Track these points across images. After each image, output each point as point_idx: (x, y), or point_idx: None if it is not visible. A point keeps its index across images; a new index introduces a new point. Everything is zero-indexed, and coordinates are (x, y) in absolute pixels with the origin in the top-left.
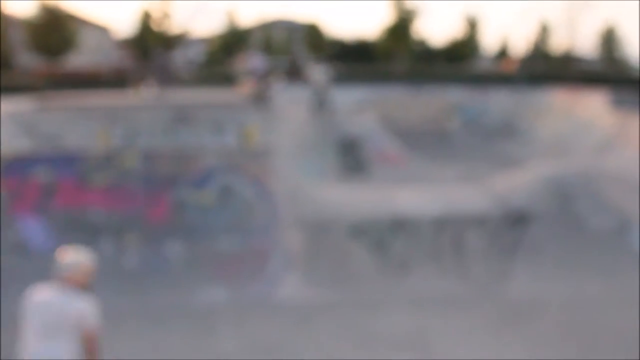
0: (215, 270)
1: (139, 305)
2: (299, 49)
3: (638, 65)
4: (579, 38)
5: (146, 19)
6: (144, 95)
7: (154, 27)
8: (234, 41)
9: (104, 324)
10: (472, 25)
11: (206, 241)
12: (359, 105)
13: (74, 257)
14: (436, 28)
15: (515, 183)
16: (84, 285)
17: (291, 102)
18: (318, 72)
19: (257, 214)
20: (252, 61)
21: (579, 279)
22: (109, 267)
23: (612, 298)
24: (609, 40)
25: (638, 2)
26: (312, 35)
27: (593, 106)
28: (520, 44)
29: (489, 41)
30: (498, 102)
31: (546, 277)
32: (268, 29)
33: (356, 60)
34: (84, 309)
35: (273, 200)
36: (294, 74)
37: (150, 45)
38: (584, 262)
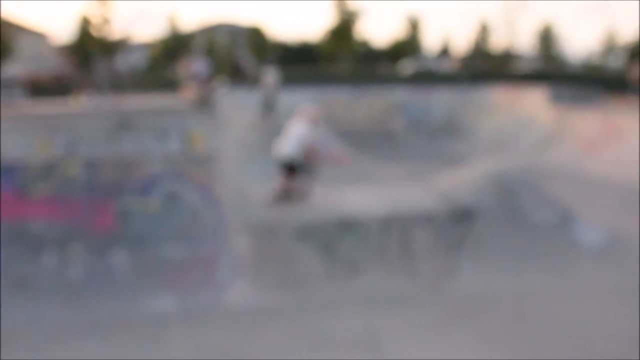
0: (162, 279)
1: (84, 318)
2: (242, 53)
3: (574, 61)
4: (517, 37)
5: (85, 24)
6: (85, 103)
7: (94, 32)
8: (176, 46)
9: (49, 338)
10: (414, 25)
11: (153, 249)
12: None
13: None
14: (379, 29)
15: (459, 180)
16: None
17: (236, 106)
18: (268, 74)
19: (203, 220)
20: (195, 65)
21: (524, 272)
22: (53, 279)
23: (557, 290)
24: (546, 38)
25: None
26: (255, 39)
27: (533, 103)
28: (461, 43)
29: (430, 41)
30: (441, 101)
31: (492, 272)
32: (210, 32)
33: (300, 62)
34: None
35: (220, 206)
36: (238, 77)
37: (91, 52)
38: (528, 256)
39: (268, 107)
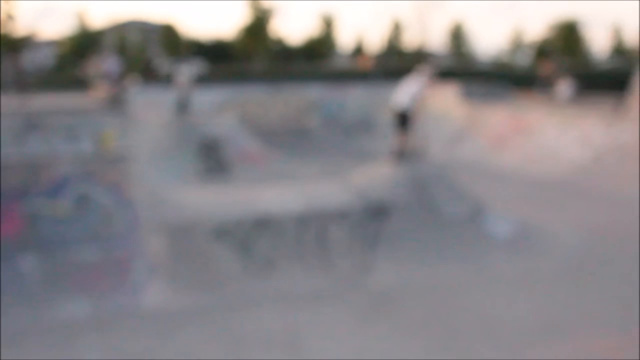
0: (74, 283)
1: None
2: (154, 51)
3: (484, 59)
4: (430, 35)
5: None
6: None
7: None
8: (85, 43)
9: None
10: (328, 23)
11: (63, 253)
12: (218, 106)
13: None
14: (293, 27)
15: (374, 176)
16: None
17: (148, 105)
18: (183, 73)
19: (116, 222)
20: (105, 64)
21: (438, 265)
22: None
23: (470, 282)
24: (457, 36)
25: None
26: (167, 36)
27: (445, 99)
28: (375, 41)
29: (345, 39)
30: (356, 98)
31: (408, 265)
32: (121, 30)
33: (214, 60)
34: None
35: (133, 207)
36: (150, 76)
37: None
38: (441, 248)
39: (182, 106)
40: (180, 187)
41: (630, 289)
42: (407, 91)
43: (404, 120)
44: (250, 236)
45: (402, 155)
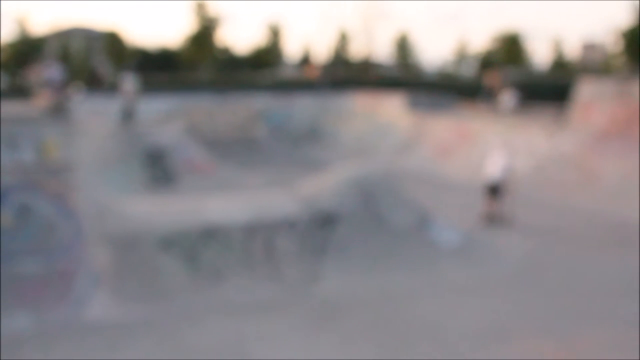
0: (16, 296)
1: None
2: (99, 59)
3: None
4: (376, 45)
5: None
6: None
7: None
8: (27, 50)
9: None
10: (275, 33)
11: (5, 265)
12: (164, 116)
13: None
14: (240, 36)
15: (322, 186)
16: None
17: (93, 114)
18: (127, 82)
19: (59, 233)
20: (48, 71)
21: (386, 274)
22: None
23: (417, 290)
24: (403, 47)
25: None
26: (112, 44)
27: (391, 109)
28: (321, 51)
29: (292, 48)
30: (303, 107)
31: (355, 274)
32: (65, 37)
33: (160, 69)
34: None
35: (77, 217)
36: (94, 84)
37: None
38: (389, 257)
39: (127, 115)
40: (126, 198)
41: (571, 295)
42: (498, 164)
43: (495, 190)
44: (197, 246)
45: (492, 219)
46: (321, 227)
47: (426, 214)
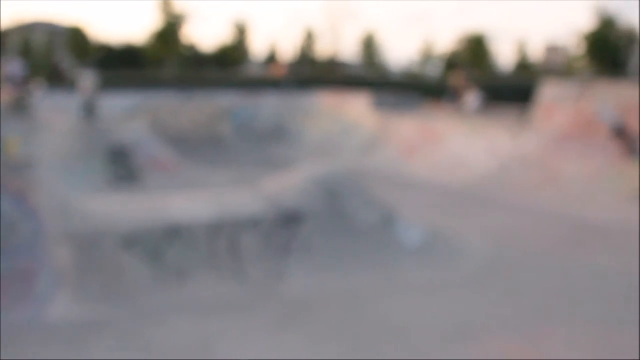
0: None
1: None
2: (61, 54)
3: (396, 69)
4: (342, 44)
5: None
6: None
7: None
8: None
9: None
10: (241, 31)
11: None
12: (128, 113)
13: None
14: (206, 33)
15: (287, 184)
16: None
17: (55, 110)
18: (86, 78)
19: (20, 232)
20: (9, 67)
21: (350, 273)
22: None
23: (382, 289)
24: (369, 46)
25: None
26: (75, 39)
27: (357, 108)
28: (288, 49)
29: (258, 47)
30: (268, 106)
31: (320, 273)
32: (26, 31)
33: (125, 65)
34: None
35: (38, 216)
36: (57, 80)
37: None
38: (354, 256)
39: (89, 111)
40: (88, 195)
41: (534, 295)
42: None
43: None
44: (161, 245)
45: None
46: (286, 226)
47: (391, 213)
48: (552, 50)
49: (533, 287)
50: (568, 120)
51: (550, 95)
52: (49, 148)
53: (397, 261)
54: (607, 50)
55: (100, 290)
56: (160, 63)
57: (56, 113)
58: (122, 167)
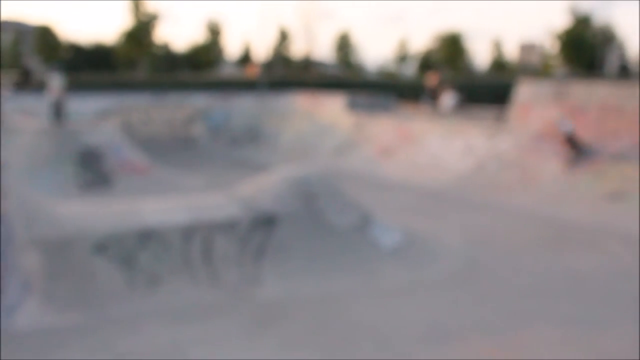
0: None
1: None
2: (29, 54)
3: (371, 69)
4: (317, 44)
5: None
6: None
7: None
8: None
9: None
10: (215, 31)
11: None
12: (98, 115)
13: None
14: (178, 34)
15: (261, 187)
16: None
17: (23, 112)
18: (55, 79)
19: None
20: None
21: (326, 276)
22: None
23: (358, 292)
24: (344, 46)
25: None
26: (44, 39)
27: (332, 109)
28: (261, 50)
29: (231, 47)
30: (242, 107)
31: (296, 277)
32: None
33: (95, 66)
34: None
35: (5, 221)
36: (24, 81)
37: None
38: (330, 259)
39: (57, 113)
40: (58, 200)
41: (509, 295)
42: None
43: None
44: (133, 250)
45: None
46: (261, 228)
47: (367, 214)
48: (527, 48)
49: (509, 287)
50: (543, 119)
51: (526, 94)
52: (16, 151)
53: (373, 263)
54: (582, 48)
55: (71, 297)
56: (132, 64)
57: (24, 115)
58: (92, 170)
